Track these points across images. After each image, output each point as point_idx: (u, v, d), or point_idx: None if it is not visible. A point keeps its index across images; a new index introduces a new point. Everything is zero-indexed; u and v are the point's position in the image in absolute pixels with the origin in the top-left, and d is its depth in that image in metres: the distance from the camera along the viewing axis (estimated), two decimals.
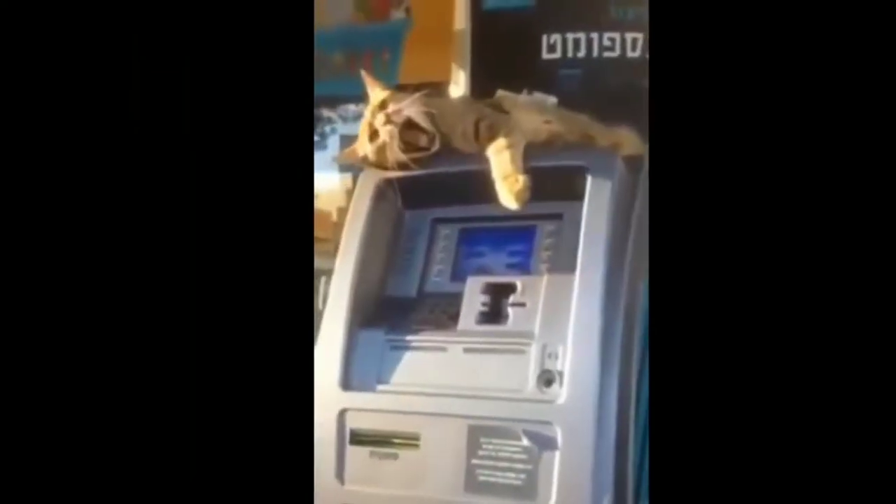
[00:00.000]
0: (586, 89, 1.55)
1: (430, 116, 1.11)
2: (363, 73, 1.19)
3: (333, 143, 1.94)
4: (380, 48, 1.86)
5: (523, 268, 1.10)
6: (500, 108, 1.16)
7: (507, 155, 1.04)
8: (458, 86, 1.80)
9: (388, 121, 1.10)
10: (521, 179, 1.01)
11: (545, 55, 1.61)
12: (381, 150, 1.11)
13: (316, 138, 2.04)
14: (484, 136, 1.09)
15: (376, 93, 1.16)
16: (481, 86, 1.59)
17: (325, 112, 1.98)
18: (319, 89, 1.90)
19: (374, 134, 1.12)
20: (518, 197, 1.01)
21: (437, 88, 1.47)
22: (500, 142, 1.06)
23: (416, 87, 1.33)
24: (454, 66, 1.80)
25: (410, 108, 1.10)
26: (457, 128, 1.11)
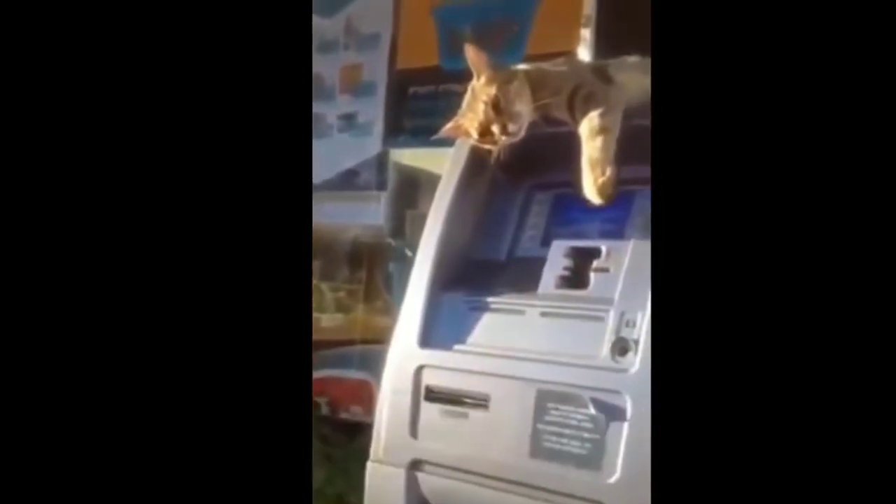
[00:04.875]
0: None
1: (522, 97, 1.04)
2: (467, 47, 1.12)
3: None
4: (510, 20, 1.86)
5: (616, 234, 1.05)
6: (603, 75, 1.08)
7: (598, 141, 0.97)
8: (586, 55, 1.75)
9: (483, 101, 1.06)
10: (609, 172, 0.95)
11: None
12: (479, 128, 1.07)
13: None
14: (579, 108, 1.03)
15: (478, 69, 1.09)
16: (607, 54, 1.53)
17: (456, 87, 2.01)
18: (450, 64, 1.94)
19: (474, 112, 1.08)
20: (602, 191, 0.95)
21: (568, 57, 1.42)
22: (594, 122, 0.99)
23: (544, 58, 1.31)
24: (583, 35, 1.75)
25: (501, 88, 1.05)
26: (558, 96, 1.06)
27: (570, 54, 1.72)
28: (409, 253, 2.14)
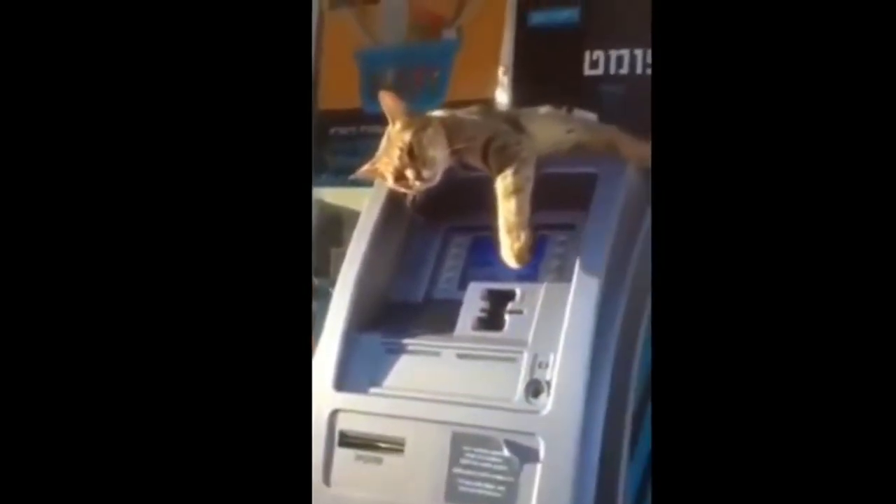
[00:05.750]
0: (628, 106, 1.51)
1: (437, 143, 1.05)
2: (382, 94, 1.12)
3: None
4: (431, 67, 1.89)
5: (530, 277, 1.07)
6: (516, 125, 1.11)
7: (512, 204, 0.99)
8: (503, 103, 1.81)
9: (398, 146, 1.07)
10: (523, 237, 0.97)
11: (588, 71, 1.59)
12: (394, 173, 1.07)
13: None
14: (492, 158, 1.05)
15: (393, 115, 1.10)
16: (524, 102, 1.58)
17: (377, 129, 2.03)
18: (371, 107, 1.96)
19: (389, 157, 1.08)
20: (518, 257, 0.97)
21: (483, 105, 1.46)
22: (507, 181, 1.00)
23: (464, 104, 1.34)
24: (500, 83, 1.81)
25: (416, 135, 1.06)
26: (472, 143, 1.08)
27: (488, 101, 1.77)
28: (332, 291, 2.12)
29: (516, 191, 1.00)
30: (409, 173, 1.06)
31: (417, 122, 1.09)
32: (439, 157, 1.07)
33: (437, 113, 1.16)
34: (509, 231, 0.98)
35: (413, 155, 1.06)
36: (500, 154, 1.05)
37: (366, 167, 1.13)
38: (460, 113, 1.17)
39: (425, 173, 1.06)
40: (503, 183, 1.01)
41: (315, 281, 2.12)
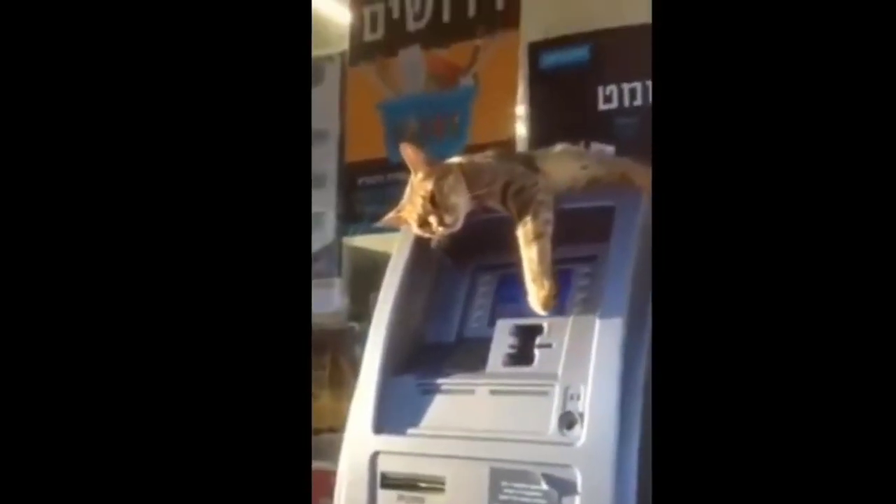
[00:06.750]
0: (644, 136, 1.54)
1: (458, 190, 1.09)
2: (403, 146, 1.15)
3: None
4: (450, 113, 1.95)
5: (557, 311, 1.08)
6: (531, 166, 1.15)
7: (534, 251, 1.02)
8: (523, 143, 1.85)
9: (421, 195, 1.10)
10: (547, 286, 1.00)
11: (602, 106, 1.62)
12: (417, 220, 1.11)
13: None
14: (511, 201, 1.08)
15: (415, 166, 1.14)
16: (541, 140, 1.63)
17: (402, 176, 2.08)
18: (396, 156, 2.02)
19: (413, 205, 1.12)
20: (544, 304, 1.00)
21: (499, 149, 1.50)
22: (528, 227, 1.04)
23: (486, 147, 1.38)
24: (518, 124, 1.86)
25: (437, 184, 1.09)
26: (491, 188, 1.11)
27: (508, 141, 1.82)
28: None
29: (537, 237, 1.03)
30: (433, 220, 1.10)
31: (438, 170, 1.13)
32: (461, 203, 1.10)
33: (456, 159, 1.20)
34: (534, 280, 1.01)
35: (435, 202, 1.10)
36: (518, 197, 1.08)
37: (391, 215, 1.17)
38: (478, 158, 1.21)
39: (447, 219, 1.10)
40: (524, 230, 1.05)
41: (355, 325, 2.17)
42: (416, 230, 1.14)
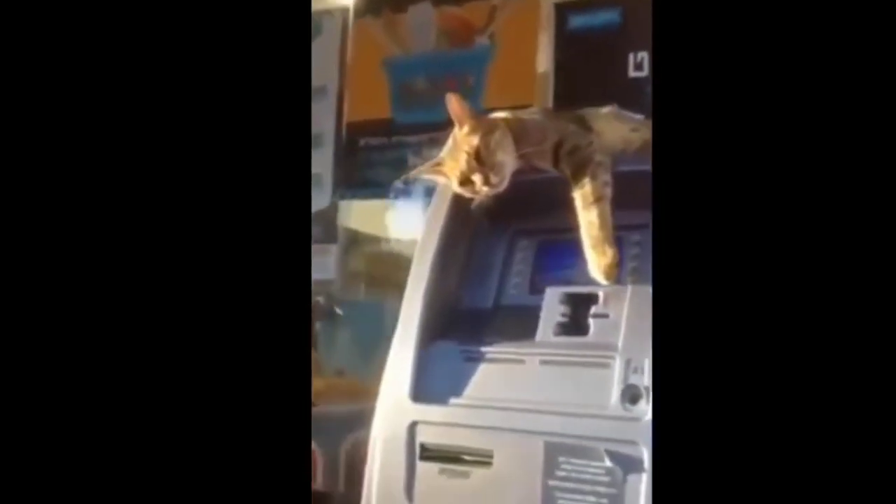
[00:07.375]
0: None
1: (505, 148, 1.02)
2: (449, 96, 1.06)
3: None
4: (463, 73, 1.87)
5: None
6: (584, 125, 1.08)
7: (594, 215, 0.95)
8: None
9: (465, 150, 1.03)
10: (610, 254, 0.93)
11: (632, 73, 1.56)
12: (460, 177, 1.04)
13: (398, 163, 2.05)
14: (564, 163, 1.02)
15: (460, 119, 1.06)
16: (565, 107, 1.56)
17: (409, 139, 1.99)
18: (403, 117, 1.93)
19: (455, 160, 1.05)
20: (606, 274, 0.93)
21: (544, 108, 1.43)
22: (586, 188, 0.97)
23: (500, 111, 1.30)
24: (539, 89, 1.79)
25: (483, 139, 1.02)
26: (540, 146, 1.04)
27: (525, 108, 1.74)
28: (338, 311, 2.08)
29: (597, 200, 0.97)
30: (477, 178, 1.02)
31: (484, 125, 1.06)
32: (507, 161, 1.03)
33: (501, 114, 1.13)
34: (594, 246, 0.95)
35: (480, 159, 1.02)
36: (572, 157, 1.01)
37: (427, 166, 1.10)
38: (523, 114, 1.14)
39: (493, 178, 1.02)
40: (581, 192, 0.98)
41: (320, 300, 2.09)
42: (456, 188, 1.06)
